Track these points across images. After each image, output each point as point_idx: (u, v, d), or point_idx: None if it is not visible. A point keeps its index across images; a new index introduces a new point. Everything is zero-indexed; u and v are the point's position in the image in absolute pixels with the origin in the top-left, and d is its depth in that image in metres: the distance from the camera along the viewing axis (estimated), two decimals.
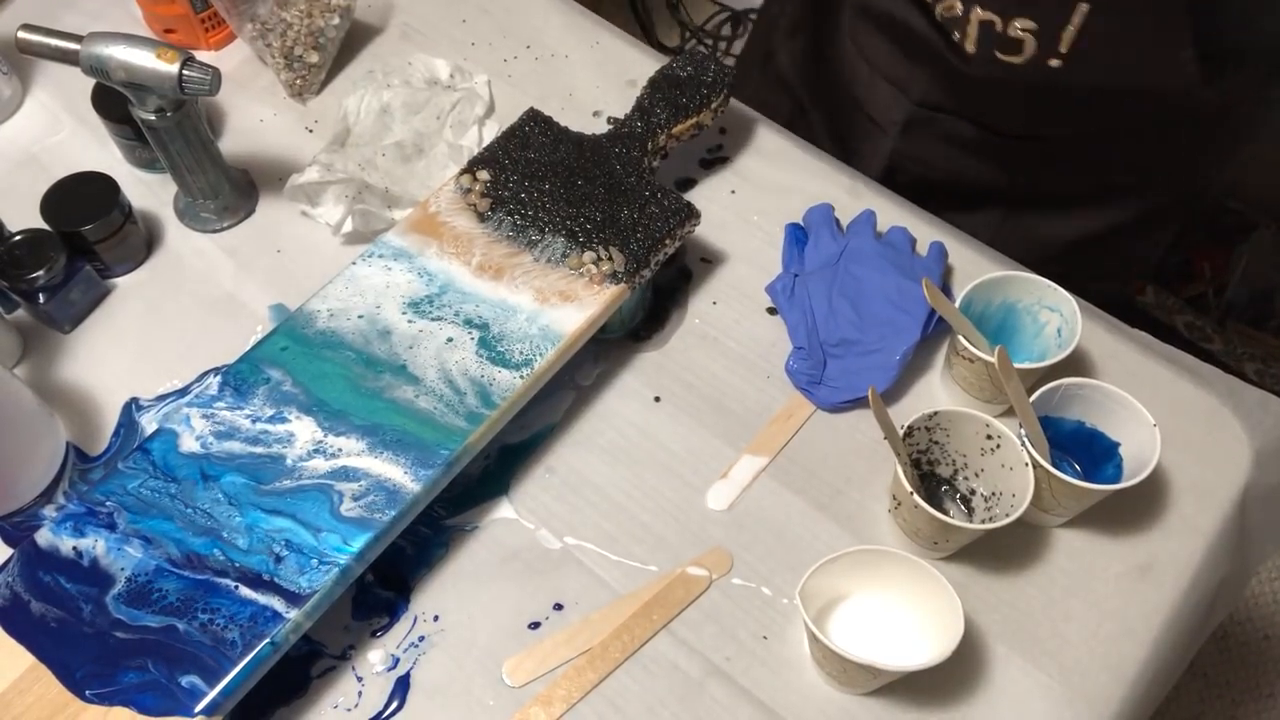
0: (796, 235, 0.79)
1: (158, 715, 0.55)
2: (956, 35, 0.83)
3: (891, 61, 0.90)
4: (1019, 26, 0.78)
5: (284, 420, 0.63)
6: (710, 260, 0.80)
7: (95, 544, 0.60)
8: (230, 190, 0.81)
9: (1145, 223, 0.96)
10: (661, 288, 0.78)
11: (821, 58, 0.99)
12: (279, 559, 0.59)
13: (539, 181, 0.73)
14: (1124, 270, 1.08)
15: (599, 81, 0.90)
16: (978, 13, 0.80)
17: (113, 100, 0.79)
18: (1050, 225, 0.95)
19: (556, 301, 0.68)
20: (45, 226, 0.75)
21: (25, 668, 0.56)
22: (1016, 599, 0.65)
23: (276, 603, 0.57)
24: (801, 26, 1.02)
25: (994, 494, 0.65)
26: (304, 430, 0.63)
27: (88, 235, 0.75)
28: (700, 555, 0.66)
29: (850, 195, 0.82)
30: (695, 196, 0.82)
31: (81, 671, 0.56)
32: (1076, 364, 0.73)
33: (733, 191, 0.83)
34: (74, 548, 0.60)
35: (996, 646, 0.63)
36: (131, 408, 0.73)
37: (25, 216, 0.75)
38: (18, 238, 0.74)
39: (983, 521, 0.63)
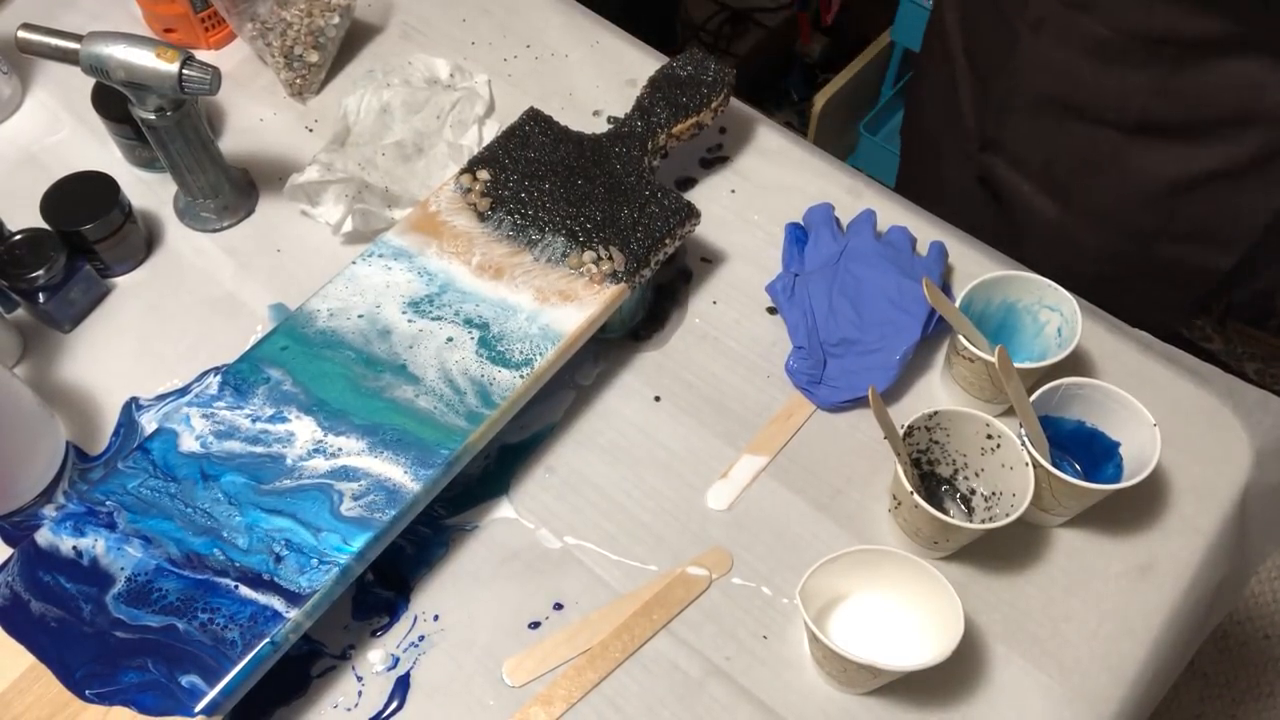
0: (796, 235, 0.79)
1: (158, 715, 0.55)
2: None
3: None
4: None
5: (284, 420, 0.63)
6: (710, 260, 0.80)
7: (95, 543, 0.60)
8: (230, 190, 0.81)
9: (1264, 167, 0.82)
10: (661, 287, 0.78)
11: None
12: (279, 559, 0.59)
13: (539, 181, 0.73)
14: (1231, 225, 0.88)
15: (599, 81, 0.90)
16: None
17: (113, 100, 0.79)
18: (1163, 159, 0.83)
19: (556, 301, 0.68)
20: (45, 226, 0.75)
21: (25, 668, 0.56)
22: (1016, 599, 0.65)
23: (276, 602, 0.57)
24: None
25: (994, 494, 0.65)
26: (304, 430, 0.63)
27: (88, 235, 0.75)
28: (700, 555, 0.66)
29: (850, 195, 0.82)
30: (695, 196, 0.82)
31: (81, 671, 0.56)
32: (1076, 364, 0.73)
33: (733, 191, 0.83)
34: (74, 547, 0.60)
35: (996, 646, 0.63)
36: (131, 407, 0.73)
37: (25, 216, 0.75)
38: (18, 237, 0.74)
39: (983, 521, 0.63)
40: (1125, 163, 0.84)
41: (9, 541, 0.67)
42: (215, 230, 0.82)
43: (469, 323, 0.67)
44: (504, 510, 0.68)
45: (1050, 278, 0.69)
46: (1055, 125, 0.85)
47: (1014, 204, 0.92)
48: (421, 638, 0.64)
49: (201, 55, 0.91)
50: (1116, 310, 0.77)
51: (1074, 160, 0.85)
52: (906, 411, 0.71)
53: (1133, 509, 0.67)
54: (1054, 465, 0.62)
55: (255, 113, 0.88)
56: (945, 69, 0.97)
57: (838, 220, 0.79)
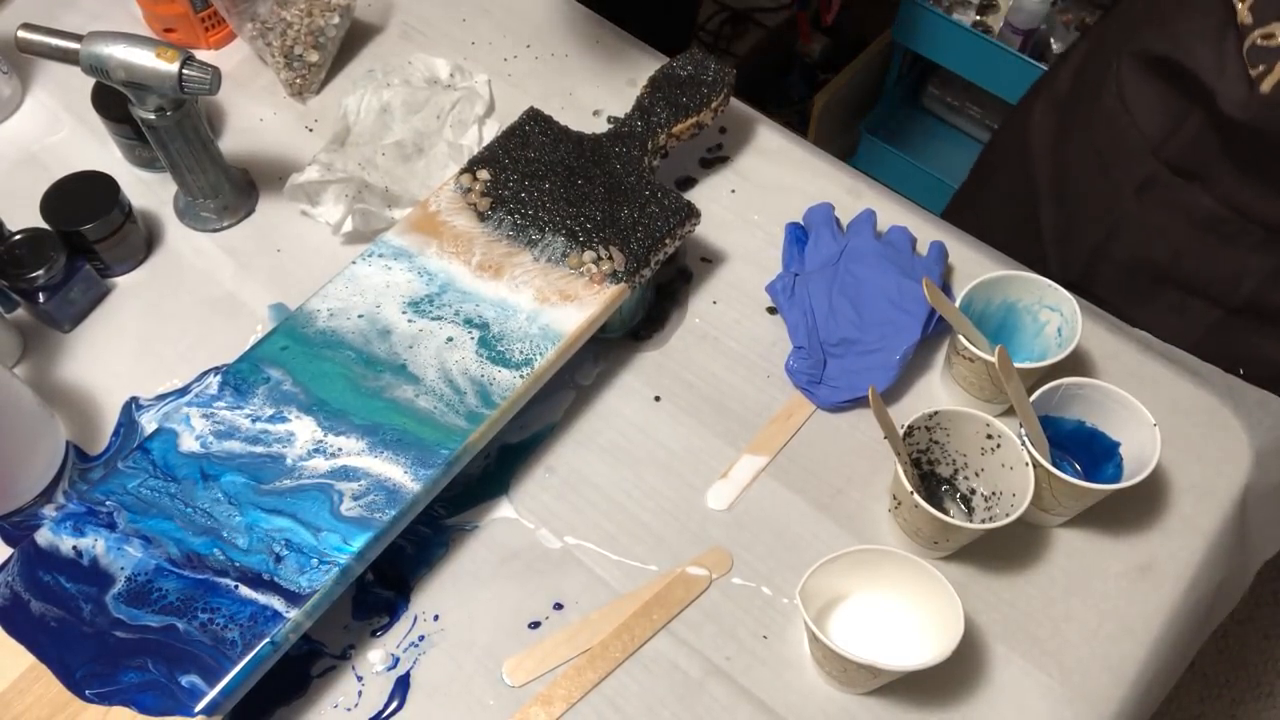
0: (797, 235, 0.79)
1: (158, 715, 0.55)
2: (1257, 70, 0.67)
3: (1156, 106, 0.76)
4: None
5: (284, 420, 0.63)
6: (710, 260, 0.79)
7: (95, 543, 0.60)
8: (230, 189, 0.81)
9: None
10: (661, 287, 0.78)
11: (1075, 123, 0.85)
12: (279, 558, 0.59)
13: (539, 181, 0.73)
14: None
15: (599, 81, 0.90)
16: None
17: (113, 100, 0.79)
18: (1275, 343, 0.79)
19: (556, 301, 0.68)
20: (45, 226, 0.75)
21: (25, 667, 0.56)
22: (1016, 599, 0.65)
23: (276, 602, 0.57)
24: (1065, 95, 0.88)
25: (994, 494, 0.65)
26: (304, 430, 0.63)
27: (88, 235, 0.75)
28: (700, 555, 0.66)
29: (850, 195, 0.82)
30: (695, 196, 0.82)
31: (81, 671, 0.56)
32: (1076, 363, 0.73)
33: (733, 191, 0.83)
34: (74, 547, 0.60)
35: (996, 646, 0.63)
36: (131, 407, 0.73)
37: (25, 216, 0.75)
38: (18, 237, 0.74)
39: (983, 521, 0.63)
40: (1226, 339, 0.79)
41: (9, 541, 0.67)
42: (215, 230, 0.82)
43: (469, 323, 0.67)
44: (504, 510, 0.68)
45: None
46: (1152, 288, 0.79)
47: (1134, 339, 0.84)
48: (421, 638, 0.64)
49: (201, 55, 0.91)
50: None
51: (1169, 329, 0.78)
52: (906, 411, 0.71)
53: (1133, 509, 0.67)
54: (1054, 465, 0.62)
55: (255, 113, 0.88)
56: (1025, 189, 0.90)
57: (838, 220, 0.79)
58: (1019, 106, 0.96)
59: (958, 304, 0.68)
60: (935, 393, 0.73)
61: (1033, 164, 0.90)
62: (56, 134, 0.87)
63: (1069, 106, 0.86)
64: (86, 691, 0.55)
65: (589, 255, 0.69)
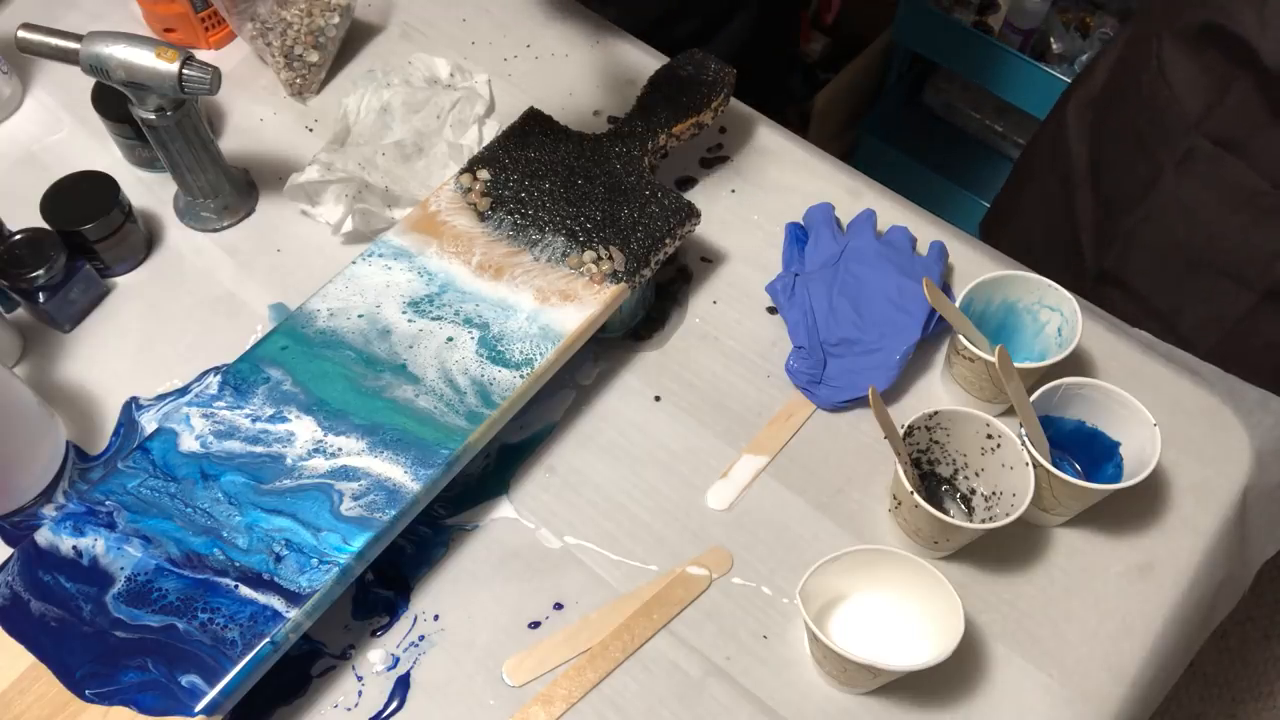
0: (797, 234, 0.79)
1: (158, 715, 0.55)
2: None
3: (1199, 79, 0.75)
4: None
5: (284, 420, 0.63)
6: (710, 260, 0.80)
7: (95, 543, 0.60)
8: (230, 189, 0.81)
9: None
10: (661, 287, 0.78)
11: (1113, 109, 0.85)
12: (279, 558, 0.59)
13: (539, 181, 0.73)
14: None
15: (599, 81, 0.90)
16: None
17: (113, 99, 0.79)
18: None
19: (556, 301, 0.68)
20: (45, 226, 0.75)
21: (25, 667, 0.56)
22: (1016, 599, 0.65)
23: (276, 602, 0.57)
24: (1101, 88, 0.88)
25: (994, 494, 0.65)
26: (304, 429, 0.63)
27: (88, 234, 0.75)
28: (700, 555, 0.66)
29: (850, 195, 0.82)
30: (695, 196, 0.82)
31: (81, 671, 0.56)
32: (1077, 363, 0.73)
33: (733, 191, 0.83)
34: (74, 547, 0.60)
35: (996, 646, 0.63)
36: (131, 407, 0.73)
37: (25, 216, 0.75)
38: (18, 237, 0.74)
39: (983, 521, 0.63)
40: (1258, 328, 0.78)
41: (9, 541, 0.67)
42: (215, 230, 0.82)
43: (469, 323, 0.67)
44: (504, 510, 0.68)
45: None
46: (1186, 274, 0.79)
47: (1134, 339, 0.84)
48: (421, 637, 0.64)
49: (201, 55, 0.91)
50: None
51: (1204, 314, 0.78)
52: (906, 411, 0.71)
53: (1133, 509, 0.67)
54: (1054, 465, 0.62)
55: (255, 113, 0.88)
56: (1062, 190, 0.90)
57: (838, 220, 0.79)
58: (1051, 114, 0.96)
59: (958, 304, 0.68)
60: (935, 393, 0.73)
61: (1069, 157, 0.90)
62: (56, 134, 0.87)
63: (1106, 96, 0.87)
64: (86, 691, 0.55)
65: (589, 255, 0.69)
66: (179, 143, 0.75)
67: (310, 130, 0.87)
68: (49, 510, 0.68)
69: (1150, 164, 0.79)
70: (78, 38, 0.69)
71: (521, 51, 0.92)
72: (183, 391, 0.73)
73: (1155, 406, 0.64)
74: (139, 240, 0.79)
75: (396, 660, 0.63)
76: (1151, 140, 0.79)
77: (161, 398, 0.73)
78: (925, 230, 0.80)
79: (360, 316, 0.68)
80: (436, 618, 0.65)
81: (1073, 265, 0.90)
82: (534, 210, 0.71)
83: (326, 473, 0.61)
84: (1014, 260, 0.78)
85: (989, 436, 0.63)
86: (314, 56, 0.87)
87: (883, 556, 0.60)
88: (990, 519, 0.62)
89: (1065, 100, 0.93)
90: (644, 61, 0.91)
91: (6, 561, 0.60)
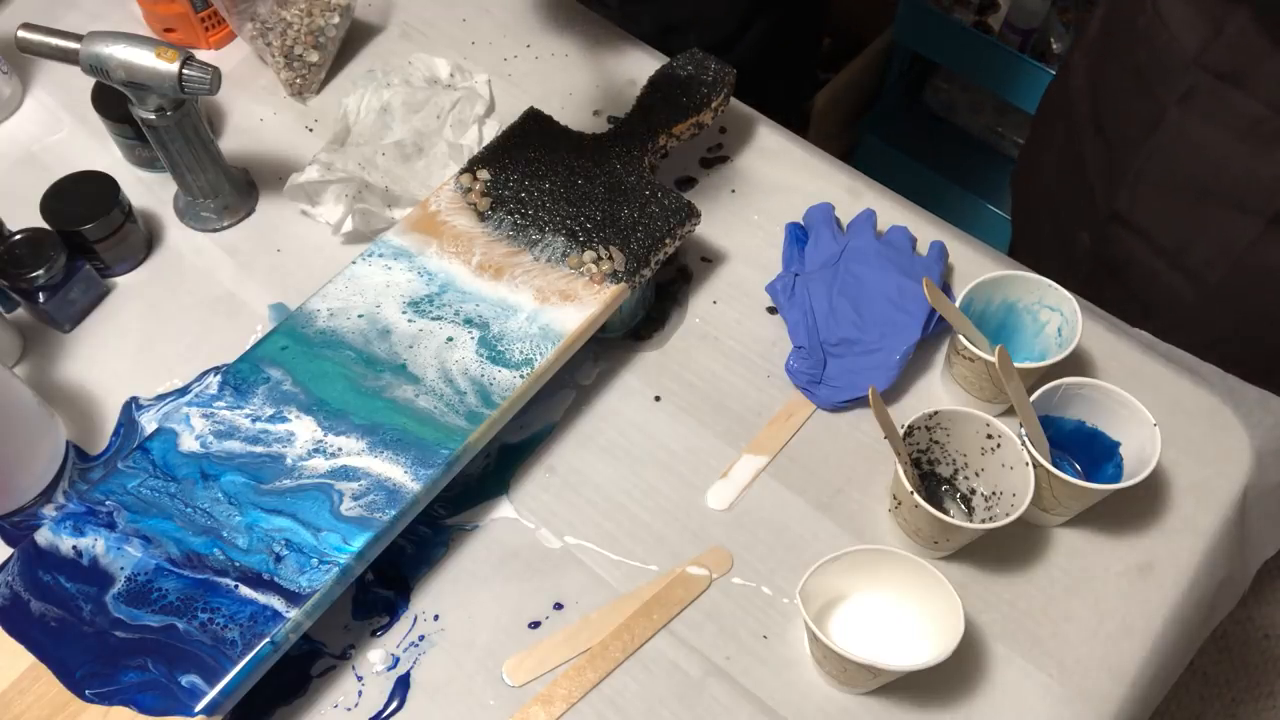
0: (797, 234, 0.79)
1: (158, 715, 0.55)
2: None
3: (1195, 17, 0.74)
4: None
5: (284, 420, 0.63)
6: (710, 260, 0.80)
7: (95, 543, 0.60)
8: (230, 189, 0.81)
9: None
10: (661, 287, 0.78)
11: (1111, 52, 0.86)
12: (279, 558, 0.59)
13: (539, 181, 0.73)
14: None
15: (599, 81, 0.90)
16: None
17: (113, 99, 0.79)
18: None
19: (556, 301, 0.68)
20: (45, 226, 0.75)
21: (25, 667, 0.56)
22: (1016, 599, 0.65)
23: (276, 602, 0.57)
24: (1098, 34, 0.89)
25: (994, 493, 0.65)
26: (304, 429, 0.63)
27: (88, 234, 0.75)
28: (700, 555, 0.66)
29: (850, 195, 0.82)
30: (695, 196, 0.82)
31: (81, 671, 0.56)
32: (1077, 363, 0.73)
33: (733, 191, 0.83)
34: (74, 547, 0.60)
35: (996, 646, 0.63)
36: (131, 407, 0.73)
37: (25, 216, 0.75)
38: (18, 237, 0.74)
39: (983, 521, 0.63)
40: (1265, 255, 0.78)
41: (9, 541, 0.67)
42: (215, 230, 0.82)
43: (469, 322, 0.67)
44: (504, 510, 0.68)
45: (1186, 350, 0.67)
46: (1194, 207, 0.79)
47: (1144, 279, 0.86)
48: (421, 637, 0.64)
49: (201, 55, 0.91)
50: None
51: (1212, 246, 0.79)
52: (906, 411, 0.71)
53: (1133, 509, 0.67)
54: (1054, 465, 0.62)
55: (255, 113, 0.88)
56: (1070, 136, 0.92)
57: (838, 220, 0.79)
58: (1061, 66, 0.97)
59: (958, 304, 0.68)
60: (935, 393, 0.73)
61: (1072, 105, 0.91)
62: (56, 134, 0.87)
63: (1104, 41, 0.87)
64: (86, 691, 0.55)
65: (589, 255, 0.69)
66: (179, 143, 0.75)
67: (310, 130, 0.87)
68: (49, 510, 0.68)
69: (1152, 103, 0.80)
70: (78, 38, 0.69)
71: (521, 51, 0.92)
72: (183, 391, 0.73)
73: (1155, 406, 0.64)
74: (139, 240, 0.79)
75: (396, 660, 0.63)
76: (1152, 80, 0.80)
77: (161, 398, 0.73)
78: (925, 230, 0.80)
79: (360, 316, 0.68)
80: (436, 618, 0.65)
81: (1088, 211, 0.91)
82: (534, 210, 0.71)
83: (326, 473, 0.61)
84: (1014, 260, 0.78)
85: (989, 436, 0.63)
86: (314, 56, 0.87)
87: (883, 556, 0.60)
88: (990, 519, 0.62)
89: (1070, 53, 0.95)
90: (644, 61, 0.91)
91: (6, 561, 0.60)
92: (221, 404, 0.64)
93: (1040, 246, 0.99)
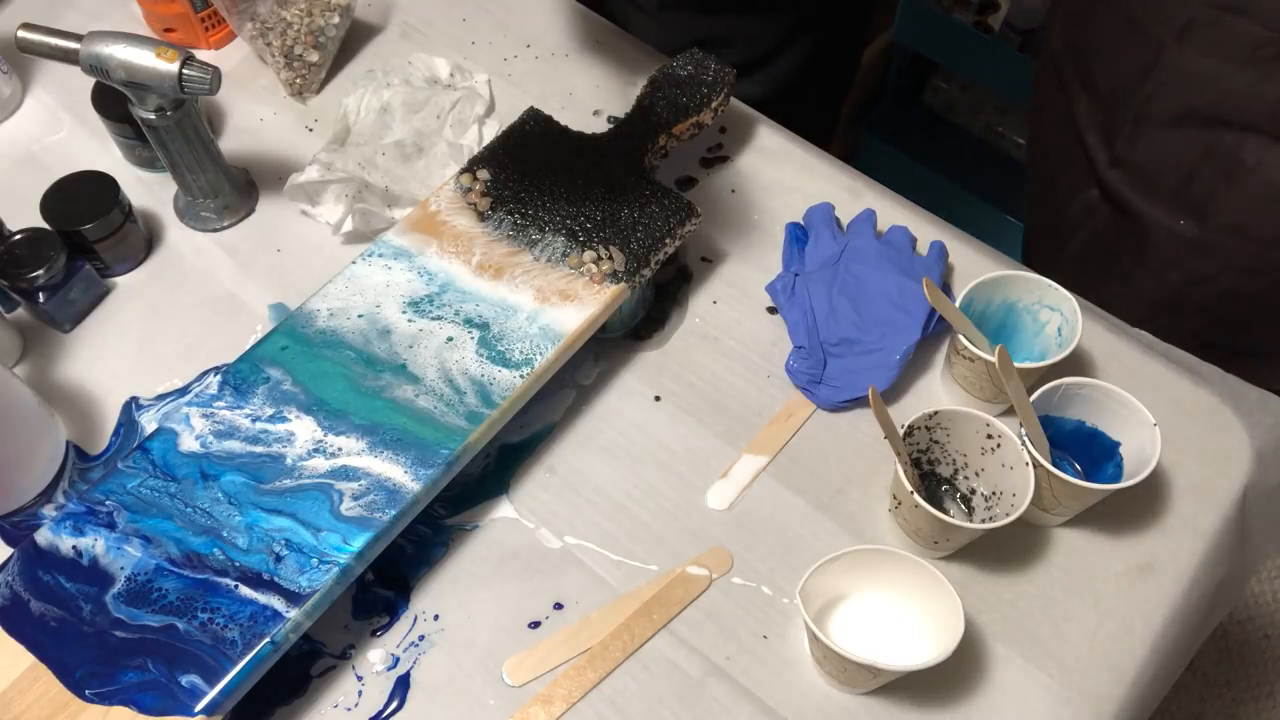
0: (797, 234, 0.79)
1: (158, 715, 0.55)
2: None
3: None
4: None
5: (284, 419, 0.63)
6: (710, 260, 0.80)
7: (95, 543, 0.60)
8: (230, 189, 0.81)
9: None
10: (661, 287, 0.78)
11: (1095, 3, 0.86)
12: (279, 558, 0.59)
13: (539, 181, 0.73)
14: None
15: (599, 81, 0.90)
16: None
17: (113, 99, 0.79)
18: None
19: (556, 301, 0.68)
20: (45, 226, 0.75)
21: (25, 667, 0.56)
22: (1016, 599, 0.65)
23: (276, 602, 0.57)
24: None
25: (994, 493, 0.65)
26: (304, 429, 0.63)
27: (88, 234, 0.75)
28: (700, 555, 0.66)
29: (850, 195, 0.82)
30: (695, 196, 0.82)
31: (81, 671, 0.56)
32: (1077, 363, 0.73)
33: (733, 191, 0.83)
34: (74, 547, 0.60)
35: (996, 646, 0.63)
36: (131, 407, 0.73)
37: (25, 216, 0.75)
38: (18, 237, 0.74)
39: (983, 521, 0.63)
40: (1269, 171, 0.79)
41: (9, 541, 0.67)
42: (215, 230, 0.82)
43: (469, 322, 0.67)
44: (504, 510, 0.68)
45: (1181, 291, 0.66)
46: (1195, 137, 0.80)
47: (1141, 224, 0.86)
48: (421, 637, 0.64)
49: (201, 55, 0.91)
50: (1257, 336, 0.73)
51: (1214, 174, 0.80)
52: (906, 411, 0.71)
53: (1133, 509, 0.67)
54: (1054, 465, 0.62)
55: (255, 113, 0.88)
56: (1059, 95, 0.92)
57: (838, 220, 0.79)
58: (1042, 41, 0.98)
59: (958, 304, 0.68)
60: (935, 393, 0.73)
61: (1057, 63, 0.91)
62: (56, 134, 0.87)
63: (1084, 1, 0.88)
64: (86, 691, 0.55)
65: (589, 255, 0.69)
66: (179, 143, 0.75)
67: (310, 130, 0.87)
68: (49, 510, 0.68)
69: (1149, 44, 0.80)
70: (78, 38, 0.69)
71: (521, 51, 0.92)
72: (183, 391, 0.73)
73: (1155, 406, 0.64)
74: (139, 240, 0.79)
75: (396, 660, 0.63)
76: (1146, 21, 0.80)
77: (161, 398, 0.73)
78: (925, 230, 0.80)
79: (360, 316, 0.68)
80: (436, 618, 0.65)
81: (1084, 163, 0.91)
82: (534, 210, 0.71)
83: (326, 473, 0.61)
84: (1013, 260, 0.78)
85: (989, 436, 0.63)
86: (314, 56, 0.87)
87: (883, 556, 0.60)
88: (990, 519, 0.62)
89: (1049, 15, 0.96)
90: (644, 61, 0.91)
91: (6, 561, 0.60)
92: (221, 404, 0.64)
93: (1047, 206, 0.98)
